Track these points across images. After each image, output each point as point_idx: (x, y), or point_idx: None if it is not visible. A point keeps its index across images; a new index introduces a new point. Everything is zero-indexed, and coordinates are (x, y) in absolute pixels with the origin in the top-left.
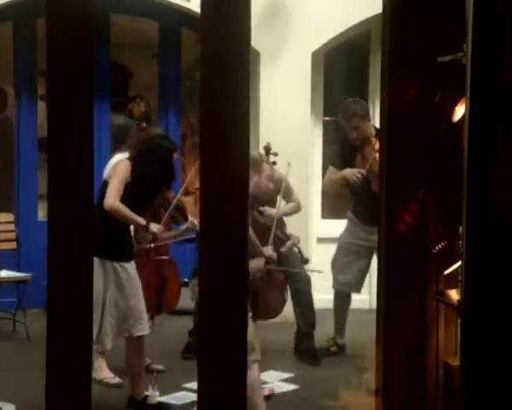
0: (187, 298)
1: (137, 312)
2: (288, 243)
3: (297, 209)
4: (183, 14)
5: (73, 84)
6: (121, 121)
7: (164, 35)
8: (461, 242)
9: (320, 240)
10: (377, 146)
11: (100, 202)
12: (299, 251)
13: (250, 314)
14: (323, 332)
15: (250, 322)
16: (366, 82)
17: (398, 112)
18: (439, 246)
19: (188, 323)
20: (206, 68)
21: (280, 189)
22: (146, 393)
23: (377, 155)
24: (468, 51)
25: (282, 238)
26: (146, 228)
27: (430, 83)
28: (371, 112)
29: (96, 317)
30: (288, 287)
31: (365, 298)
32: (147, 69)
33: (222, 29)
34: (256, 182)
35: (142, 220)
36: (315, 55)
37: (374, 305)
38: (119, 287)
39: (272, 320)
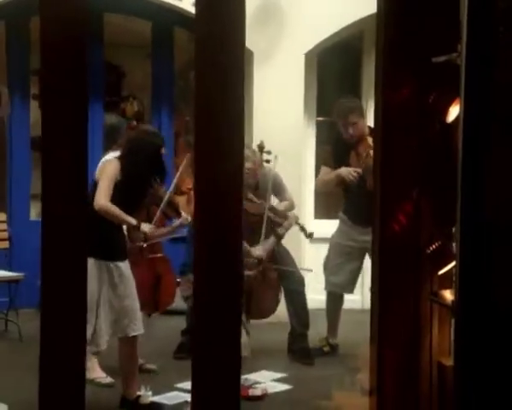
0: (179, 298)
1: (132, 312)
2: (285, 224)
3: (290, 208)
4: (176, 14)
5: (67, 84)
6: (114, 121)
7: (157, 34)
8: (455, 242)
9: (313, 240)
10: (372, 144)
11: (91, 202)
12: (302, 227)
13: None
14: (316, 332)
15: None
16: (359, 82)
17: (393, 112)
18: (433, 246)
19: (180, 323)
20: (201, 68)
21: (268, 180)
22: (138, 393)
23: (372, 152)
24: (463, 53)
25: (276, 221)
26: (137, 228)
27: (424, 83)
28: (364, 112)
29: (91, 317)
30: (281, 287)
31: (357, 298)
32: (140, 69)
33: (216, 29)
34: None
35: (132, 220)
36: (308, 55)
37: (366, 305)
38: (113, 287)
39: (265, 320)
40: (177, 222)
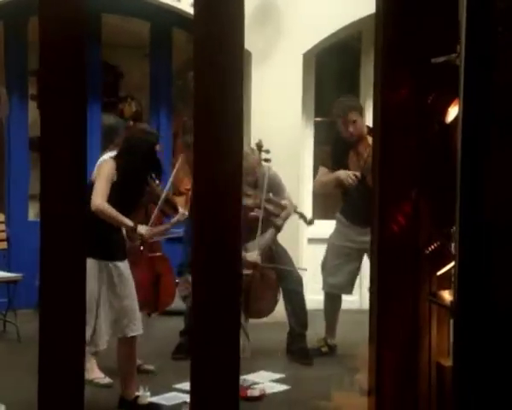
0: (178, 299)
1: (131, 312)
2: (283, 214)
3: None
4: (175, 14)
5: (66, 84)
6: (111, 121)
7: (155, 35)
8: (454, 243)
9: (311, 241)
10: (371, 143)
11: (88, 202)
12: (301, 214)
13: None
14: (314, 333)
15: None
16: (358, 83)
17: (391, 112)
18: (432, 247)
19: (179, 323)
20: (200, 69)
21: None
22: (137, 393)
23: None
24: (462, 54)
25: (274, 213)
26: (134, 229)
27: (423, 84)
28: (363, 112)
29: (90, 318)
30: (280, 287)
31: (355, 299)
32: (138, 69)
33: (215, 29)
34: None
35: (129, 222)
36: (306, 55)
37: (364, 305)
38: (112, 287)
39: (264, 320)
40: (174, 219)
